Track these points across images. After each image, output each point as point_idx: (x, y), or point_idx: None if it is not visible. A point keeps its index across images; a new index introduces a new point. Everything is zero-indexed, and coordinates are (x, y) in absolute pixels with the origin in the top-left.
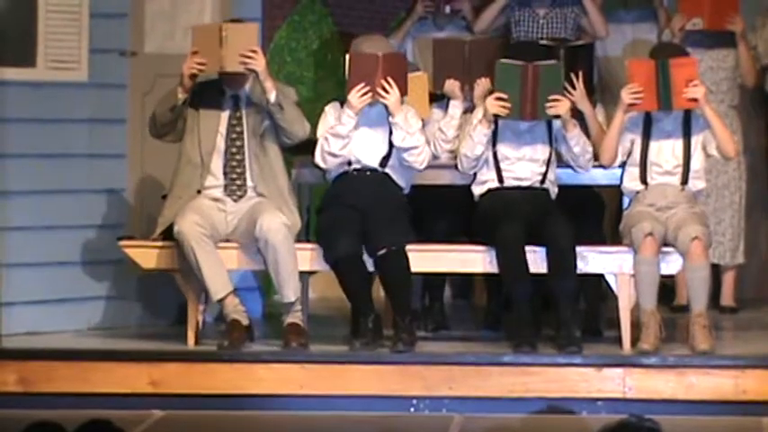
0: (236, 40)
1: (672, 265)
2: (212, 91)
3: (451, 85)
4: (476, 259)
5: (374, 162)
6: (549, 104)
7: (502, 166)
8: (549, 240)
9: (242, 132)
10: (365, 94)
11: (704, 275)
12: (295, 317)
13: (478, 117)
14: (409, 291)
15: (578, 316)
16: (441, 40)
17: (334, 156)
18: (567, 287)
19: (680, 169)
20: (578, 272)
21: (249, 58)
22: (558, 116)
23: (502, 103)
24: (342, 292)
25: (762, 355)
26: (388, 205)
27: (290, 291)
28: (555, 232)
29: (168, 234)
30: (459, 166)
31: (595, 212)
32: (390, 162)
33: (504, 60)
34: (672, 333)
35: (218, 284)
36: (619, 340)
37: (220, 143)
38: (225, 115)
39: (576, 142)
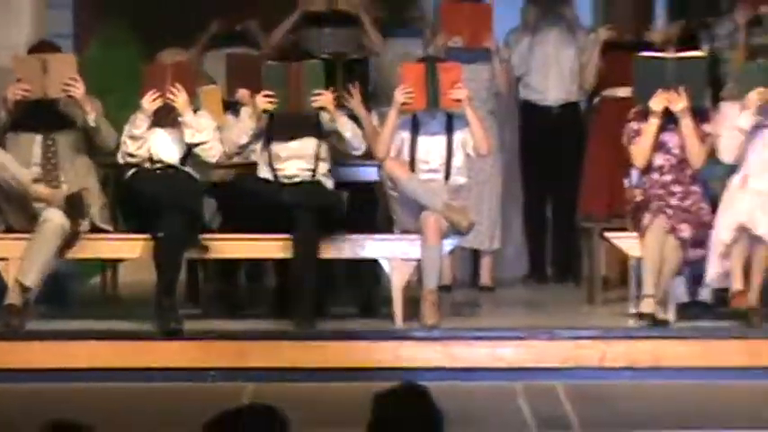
0: (57, 68)
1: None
2: (30, 111)
3: (242, 94)
4: (269, 247)
5: (173, 159)
6: (313, 98)
7: (275, 165)
8: (294, 230)
9: (56, 151)
10: (156, 98)
11: (434, 256)
12: (16, 299)
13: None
14: (172, 275)
15: (315, 299)
16: (233, 54)
17: (132, 156)
18: (304, 275)
19: (444, 166)
20: (356, 257)
21: (69, 85)
22: (322, 108)
23: (269, 99)
24: (145, 277)
25: (515, 327)
26: (177, 198)
27: (29, 277)
28: (299, 224)
29: None
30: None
31: (370, 204)
32: (189, 159)
33: (270, 62)
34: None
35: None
36: (391, 317)
37: (37, 155)
38: (39, 135)
39: (346, 129)
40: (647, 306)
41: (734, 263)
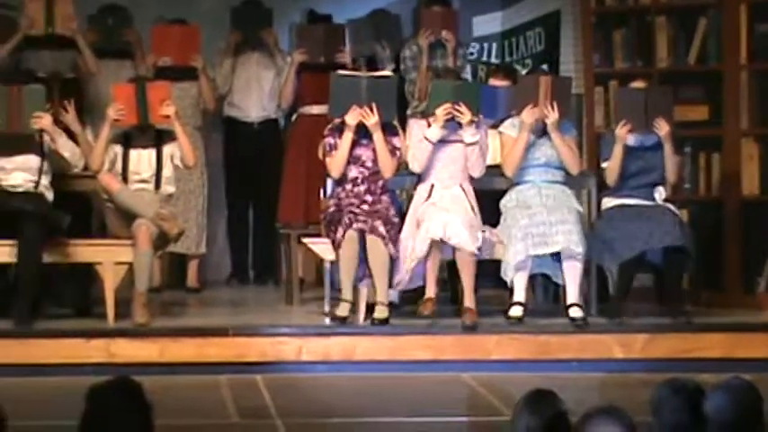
0: None
1: None
2: None
3: None
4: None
5: None
6: (33, 120)
7: (0, 175)
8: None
9: None
10: None
11: (145, 261)
12: None
13: None
14: None
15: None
16: None
17: None
18: (25, 278)
19: (154, 177)
20: (73, 261)
21: None
22: (42, 129)
23: None
24: None
25: (219, 325)
26: None
27: None
28: (24, 231)
29: None
30: None
31: (86, 212)
32: None
33: None
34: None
35: None
36: (105, 316)
37: None
38: None
39: (65, 149)
40: (343, 310)
41: (429, 274)
